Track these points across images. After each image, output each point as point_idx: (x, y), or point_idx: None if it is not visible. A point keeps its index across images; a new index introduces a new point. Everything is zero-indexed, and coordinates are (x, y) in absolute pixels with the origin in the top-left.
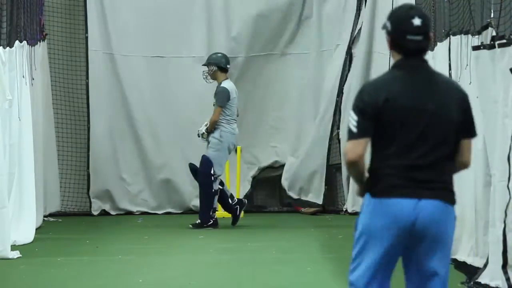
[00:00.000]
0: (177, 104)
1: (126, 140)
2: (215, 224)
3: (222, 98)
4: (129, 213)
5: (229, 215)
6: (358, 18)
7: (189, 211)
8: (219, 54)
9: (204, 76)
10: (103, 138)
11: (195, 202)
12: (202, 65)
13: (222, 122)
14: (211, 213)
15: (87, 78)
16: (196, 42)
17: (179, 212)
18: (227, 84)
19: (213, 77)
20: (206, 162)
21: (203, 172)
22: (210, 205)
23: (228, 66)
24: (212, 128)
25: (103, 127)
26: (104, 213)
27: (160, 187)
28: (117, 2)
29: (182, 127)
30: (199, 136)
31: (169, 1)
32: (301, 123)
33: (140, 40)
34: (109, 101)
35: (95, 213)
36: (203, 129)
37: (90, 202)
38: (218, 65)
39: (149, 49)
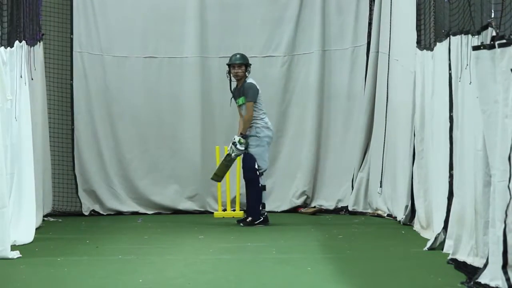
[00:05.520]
0: (165, 105)
1: (112, 142)
2: (266, 221)
3: (253, 93)
4: (119, 213)
5: (231, 215)
6: (372, 19)
7: (178, 212)
8: (243, 54)
9: (232, 76)
10: (90, 139)
11: (183, 204)
12: (231, 64)
13: (255, 118)
14: (260, 209)
15: (72, 79)
16: (189, 42)
17: (169, 213)
18: (252, 80)
19: (243, 76)
20: (249, 157)
21: (248, 168)
22: (258, 200)
23: None
24: (248, 125)
25: (90, 128)
26: (94, 213)
27: (146, 189)
28: (107, 2)
29: (170, 129)
30: (232, 153)
31: (162, 1)
32: (303, 124)
33: (131, 41)
34: (97, 102)
35: (86, 213)
36: (237, 139)
37: (81, 203)
38: (249, 64)
39: (141, 50)
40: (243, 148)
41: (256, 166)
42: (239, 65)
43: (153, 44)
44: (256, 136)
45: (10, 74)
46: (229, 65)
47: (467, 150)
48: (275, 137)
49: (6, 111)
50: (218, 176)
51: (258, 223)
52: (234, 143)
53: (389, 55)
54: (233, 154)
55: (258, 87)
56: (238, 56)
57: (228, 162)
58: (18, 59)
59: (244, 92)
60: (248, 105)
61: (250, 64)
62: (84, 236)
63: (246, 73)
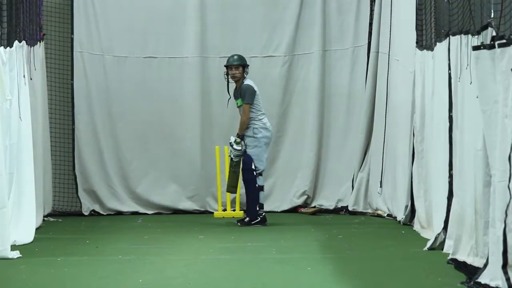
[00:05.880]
0: (165, 105)
1: (112, 142)
2: (264, 221)
3: (250, 95)
4: (119, 213)
5: (231, 215)
6: (372, 19)
7: (178, 212)
8: (240, 55)
9: (230, 77)
10: (90, 139)
11: (183, 204)
12: (228, 65)
13: (253, 119)
14: (258, 210)
15: (72, 79)
16: (189, 42)
17: (169, 213)
18: (249, 81)
19: (241, 77)
20: (246, 159)
21: (245, 169)
22: (256, 201)
23: None
24: (245, 127)
25: (91, 128)
26: (94, 213)
27: (146, 189)
28: (108, 2)
29: (170, 129)
30: (231, 153)
31: (162, 1)
32: (304, 124)
33: (131, 41)
34: (97, 102)
35: (86, 213)
36: (233, 139)
37: (81, 203)
38: (246, 65)
39: (141, 50)
40: (240, 148)
41: (253, 167)
42: (237, 66)
43: (153, 44)
44: (254, 137)
45: (9, 74)
46: (226, 66)
47: (467, 150)
48: (275, 137)
49: (6, 111)
50: (232, 186)
51: (254, 223)
52: (230, 144)
53: (389, 55)
54: (232, 155)
55: (255, 88)
56: (235, 57)
57: (234, 168)
58: (17, 59)
59: (241, 94)
60: (245, 108)
61: (248, 65)
62: (84, 236)
63: (244, 74)
